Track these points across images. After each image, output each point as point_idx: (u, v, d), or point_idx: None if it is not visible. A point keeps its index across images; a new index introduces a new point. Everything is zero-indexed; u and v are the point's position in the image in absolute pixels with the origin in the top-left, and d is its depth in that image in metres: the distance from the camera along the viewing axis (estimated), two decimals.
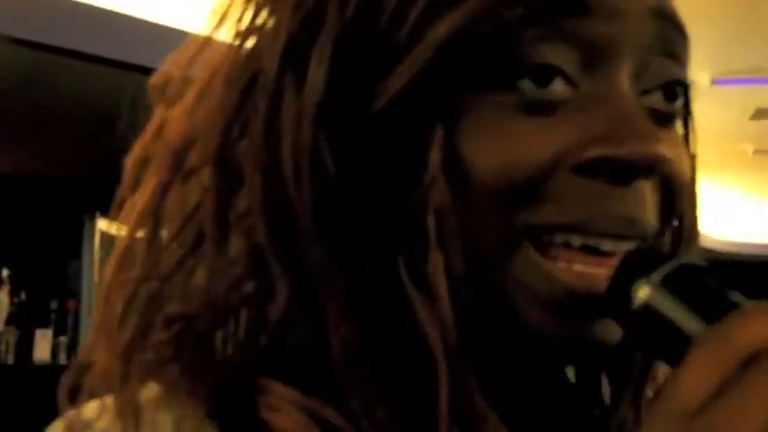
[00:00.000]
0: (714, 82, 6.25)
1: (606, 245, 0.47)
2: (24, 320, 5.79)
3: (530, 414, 0.51)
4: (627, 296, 0.44)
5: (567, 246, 0.47)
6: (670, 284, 0.44)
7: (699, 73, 6.13)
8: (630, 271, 0.45)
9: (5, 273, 5.90)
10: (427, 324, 0.46)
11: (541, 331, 0.47)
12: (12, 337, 5.70)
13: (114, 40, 3.35)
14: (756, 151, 7.89)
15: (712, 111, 6.97)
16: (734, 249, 12.14)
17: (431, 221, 0.47)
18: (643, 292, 0.44)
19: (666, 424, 0.38)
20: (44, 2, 3.19)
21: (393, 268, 0.47)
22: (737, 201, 10.82)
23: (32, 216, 6.17)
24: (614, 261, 0.47)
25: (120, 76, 3.27)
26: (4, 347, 5.66)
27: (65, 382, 0.51)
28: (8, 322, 5.78)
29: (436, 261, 0.47)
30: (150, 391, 0.48)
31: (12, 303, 5.88)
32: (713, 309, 0.42)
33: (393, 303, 0.47)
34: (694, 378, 0.38)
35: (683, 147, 0.52)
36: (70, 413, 0.48)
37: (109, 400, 0.48)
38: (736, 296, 0.43)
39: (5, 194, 6.04)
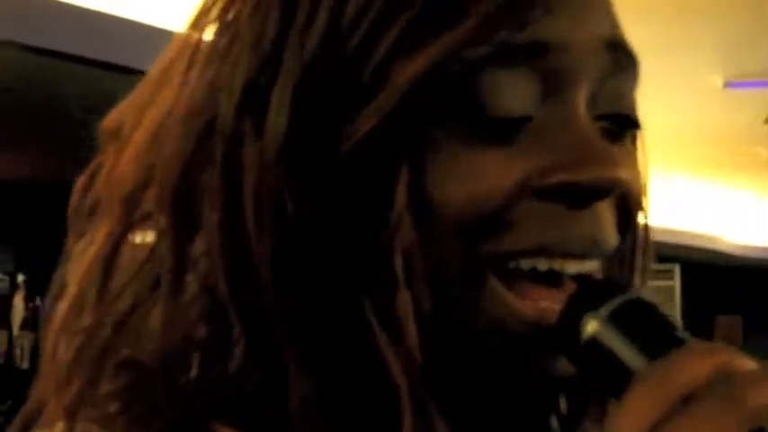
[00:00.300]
0: (727, 85, 6.24)
1: (571, 267, 0.48)
2: (39, 325, 5.82)
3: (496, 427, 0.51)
4: (576, 330, 0.45)
5: (534, 274, 0.48)
6: (617, 319, 0.44)
7: (711, 76, 6.12)
8: (580, 305, 0.46)
9: (21, 278, 5.93)
10: (393, 364, 0.46)
11: (507, 364, 0.48)
12: (26, 341, 5.73)
13: (120, 45, 3.37)
14: None
15: (725, 114, 6.94)
16: (747, 253, 12.08)
17: (398, 261, 0.47)
18: (591, 327, 0.44)
19: None
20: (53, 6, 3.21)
21: (358, 311, 0.47)
22: (751, 204, 10.77)
23: (48, 221, 6.20)
24: None
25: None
26: (18, 352, 5.69)
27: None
28: (23, 327, 5.82)
29: (404, 301, 0.47)
30: None
31: (27, 308, 5.92)
32: (657, 344, 0.42)
33: (357, 348, 0.47)
34: (633, 414, 0.38)
35: (635, 161, 0.53)
36: None
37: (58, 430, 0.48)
38: (681, 333, 0.44)
39: (21, 199, 6.08)
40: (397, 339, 0.46)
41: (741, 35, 5.38)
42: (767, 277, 12.49)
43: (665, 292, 13.62)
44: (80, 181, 0.54)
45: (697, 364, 0.39)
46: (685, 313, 12.77)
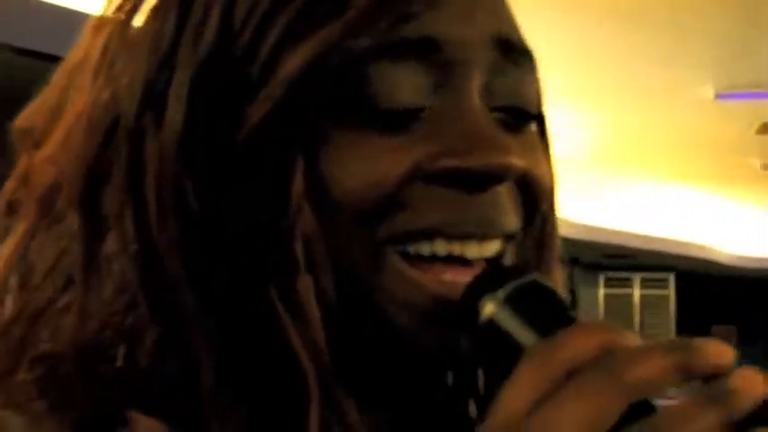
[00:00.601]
0: (718, 96, 6.27)
1: (471, 250, 0.49)
2: None
3: (411, 421, 0.52)
4: (475, 311, 0.46)
5: (434, 258, 0.49)
6: (513, 301, 0.45)
7: (703, 87, 6.15)
8: (479, 287, 0.47)
9: None
10: (299, 348, 0.47)
11: (413, 339, 0.49)
12: None
13: None
14: (765, 165, 7.88)
15: (717, 125, 6.97)
16: (742, 263, 12.10)
17: (298, 248, 0.48)
18: (488, 308, 0.46)
19: None
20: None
21: (265, 297, 0.48)
22: (746, 214, 10.81)
23: None
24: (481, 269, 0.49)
25: None
26: None
27: None
28: None
29: (306, 286, 0.48)
30: (15, 422, 0.48)
31: None
32: (549, 324, 0.43)
33: (265, 332, 0.47)
34: (517, 389, 0.40)
35: (539, 150, 0.54)
36: None
37: None
38: (573, 314, 0.45)
39: None
40: (301, 324, 0.47)
41: (732, 46, 5.41)
42: (762, 287, 12.51)
43: (660, 301, 13.63)
44: (7, 183, 0.55)
45: (582, 340, 0.40)
46: (680, 323, 12.79)
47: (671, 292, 13.41)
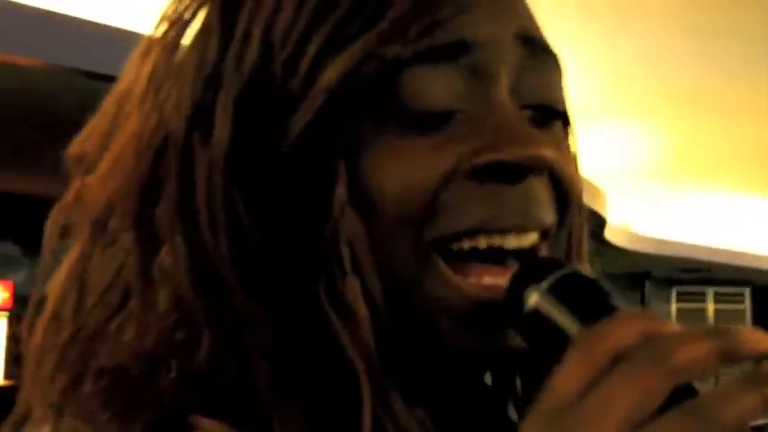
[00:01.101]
0: None
1: (510, 242, 0.51)
2: None
3: (451, 420, 0.54)
4: (520, 303, 0.48)
5: (476, 253, 0.51)
6: (557, 291, 0.47)
7: None
8: (522, 280, 0.48)
9: None
10: (350, 347, 0.49)
11: (456, 342, 0.50)
12: None
13: None
14: None
15: None
16: None
17: (344, 251, 0.49)
18: (533, 299, 0.47)
19: (541, 419, 0.42)
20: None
21: (315, 299, 0.49)
22: None
23: None
24: None
25: None
26: None
27: None
28: None
29: (353, 287, 0.49)
30: None
31: None
32: (592, 312, 0.45)
33: (317, 333, 0.49)
34: (567, 376, 0.41)
35: (565, 148, 0.56)
36: None
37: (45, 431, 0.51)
38: (615, 301, 0.47)
39: None
40: (350, 324, 0.49)
41: None
42: None
43: (736, 315, 13.35)
44: (58, 205, 0.57)
45: (625, 328, 0.42)
46: None
47: (747, 306, 13.12)
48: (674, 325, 0.42)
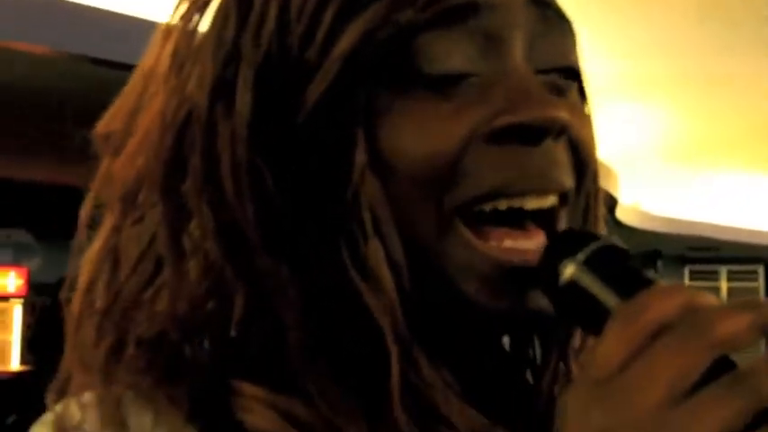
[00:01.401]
0: None
1: (530, 203, 0.52)
2: None
3: (473, 382, 0.54)
4: (555, 273, 0.48)
5: (495, 217, 0.51)
6: (593, 263, 0.47)
7: None
8: (558, 250, 0.49)
9: None
10: (375, 309, 0.50)
11: (480, 304, 0.51)
12: None
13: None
14: None
15: None
16: None
17: (366, 215, 0.51)
18: (569, 270, 0.48)
19: (584, 389, 0.42)
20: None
21: (339, 263, 0.51)
22: None
23: None
24: (540, 236, 0.52)
25: None
26: None
27: (50, 399, 0.55)
28: None
29: (376, 250, 0.50)
30: (128, 398, 0.51)
31: None
32: (630, 285, 0.45)
33: (342, 295, 0.50)
34: (609, 347, 0.42)
35: (582, 113, 0.56)
36: (57, 410, 0.52)
37: (89, 396, 0.52)
38: (651, 275, 0.47)
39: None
40: (374, 286, 0.50)
41: None
42: None
43: (750, 292, 13.30)
44: (91, 185, 0.58)
45: (666, 300, 0.42)
46: None
47: (760, 283, 13.09)
48: (712, 298, 0.43)
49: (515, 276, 0.51)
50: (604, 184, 0.60)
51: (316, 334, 0.50)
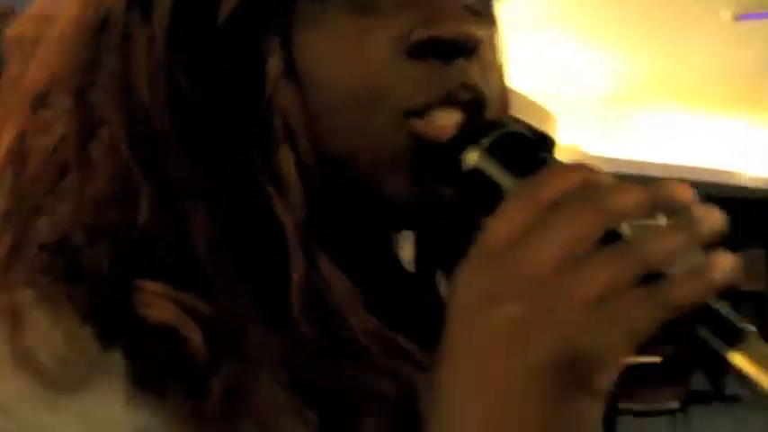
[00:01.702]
0: (737, 18, 6.18)
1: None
2: None
3: (375, 295, 0.55)
4: (458, 161, 0.50)
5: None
6: (495, 149, 0.49)
7: (720, 9, 6.06)
8: (462, 139, 0.50)
9: None
10: (280, 210, 0.51)
11: (395, 191, 0.53)
12: None
13: None
14: None
15: (736, 49, 6.87)
16: (763, 186, 12.00)
17: (277, 122, 0.52)
18: (472, 157, 0.49)
19: (474, 261, 0.43)
20: None
21: (250, 167, 0.52)
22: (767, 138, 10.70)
23: None
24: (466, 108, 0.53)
25: None
26: None
27: None
28: None
29: (285, 157, 0.52)
30: (26, 295, 0.50)
31: None
32: (528, 168, 0.46)
33: (251, 199, 0.52)
34: (501, 224, 0.43)
35: (496, 39, 0.57)
36: None
37: None
38: (550, 158, 0.49)
39: None
40: (282, 189, 0.52)
41: None
42: None
43: None
44: None
45: (562, 177, 0.43)
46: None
47: None
48: (608, 176, 0.44)
49: (427, 163, 0.51)
50: (542, 126, 0.61)
51: (223, 236, 0.51)
